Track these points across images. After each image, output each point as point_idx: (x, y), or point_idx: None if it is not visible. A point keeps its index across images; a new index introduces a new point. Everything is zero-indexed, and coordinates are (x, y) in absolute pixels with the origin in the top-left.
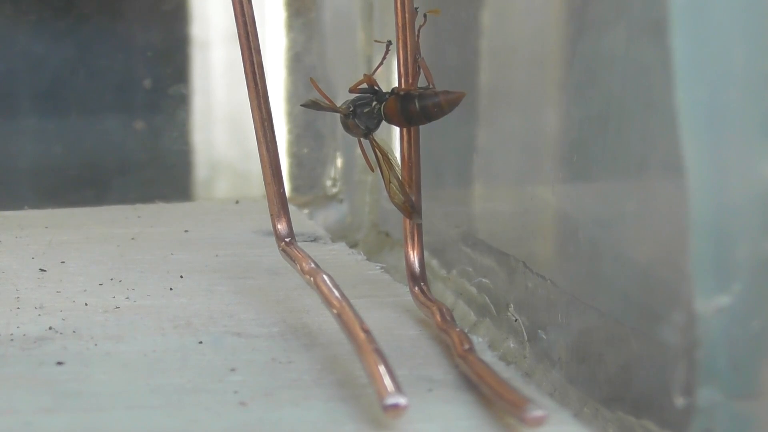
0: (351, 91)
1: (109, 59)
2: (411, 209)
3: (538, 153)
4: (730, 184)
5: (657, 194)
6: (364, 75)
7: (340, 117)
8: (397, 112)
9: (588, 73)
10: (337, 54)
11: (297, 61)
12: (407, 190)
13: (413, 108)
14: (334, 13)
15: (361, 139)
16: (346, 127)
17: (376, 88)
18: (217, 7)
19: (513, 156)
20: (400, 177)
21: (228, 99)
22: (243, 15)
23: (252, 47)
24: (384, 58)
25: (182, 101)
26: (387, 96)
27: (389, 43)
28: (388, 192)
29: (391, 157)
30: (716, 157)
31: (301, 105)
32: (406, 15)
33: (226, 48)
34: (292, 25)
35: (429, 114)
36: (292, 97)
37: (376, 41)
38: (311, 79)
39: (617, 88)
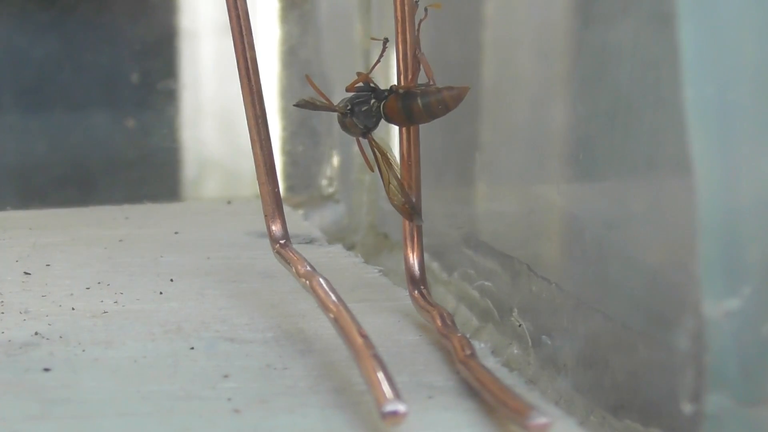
0: (348, 90)
1: (94, 53)
2: (411, 211)
3: (543, 151)
4: (740, 183)
5: (665, 194)
6: (359, 73)
7: (338, 116)
8: (398, 111)
9: (595, 67)
10: (334, 48)
11: (291, 54)
12: (407, 191)
13: (416, 106)
14: (330, 4)
15: (360, 138)
16: (344, 127)
17: (372, 85)
18: None
19: (517, 154)
20: (400, 177)
21: (218, 93)
22: (236, 9)
23: (246, 43)
24: (381, 55)
25: (171, 96)
26: (386, 94)
27: (386, 40)
28: (388, 193)
29: (390, 157)
30: (726, 156)
31: (294, 105)
32: (406, 8)
33: (216, 39)
34: (286, 17)
35: (432, 112)
36: (286, 92)
37: (372, 38)
38: (307, 76)
39: (625, 84)
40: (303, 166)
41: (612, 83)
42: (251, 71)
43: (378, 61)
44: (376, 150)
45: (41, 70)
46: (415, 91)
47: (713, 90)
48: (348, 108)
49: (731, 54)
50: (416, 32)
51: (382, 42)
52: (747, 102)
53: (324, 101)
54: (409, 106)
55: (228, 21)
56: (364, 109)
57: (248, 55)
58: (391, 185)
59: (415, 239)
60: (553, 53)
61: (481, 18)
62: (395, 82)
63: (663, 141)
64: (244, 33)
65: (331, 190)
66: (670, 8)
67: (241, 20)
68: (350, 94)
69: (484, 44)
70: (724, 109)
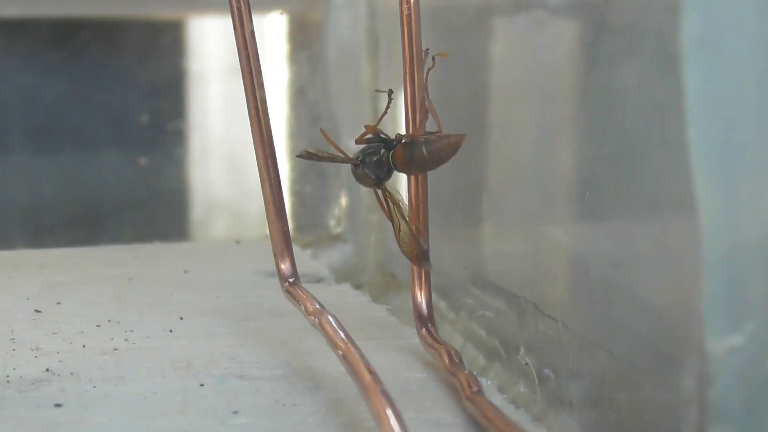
0: (357, 142)
1: (104, 93)
2: (420, 256)
3: (549, 191)
4: (744, 222)
5: (670, 233)
6: (366, 126)
7: (351, 168)
8: (404, 160)
9: (600, 109)
10: (342, 88)
11: (300, 95)
12: (417, 237)
13: (420, 155)
14: (338, 46)
15: (375, 188)
16: (358, 178)
17: (382, 135)
18: (214, 39)
19: (523, 194)
20: (410, 225)
21: (227, 134)
22: (246, 49)
23: (255, 82)
24: (387, 107)
25: (180, 137)
26: (394, 143)
27: (391, 91)
28: (398, 240)
29: (402, 206)
30: (729, 196)
31: (297, 156)
32: (414, 54)
33: (225, 81)
34: (295, 58)
35: (436, 159)
36: (295, 133)
37: (377, 91)
38: (322, 130)
39: (630, 125)
40: (311, 206)
41: (617, 124)
42: (261, 111)
43: (385, 112)
44: (389, 200)
45: (52, 110)
46: (419, 140)
47: (717, 130)
48: (359, 159)
49: (735, 95)
50: (424, 80)
51: (387, 93)
52: (750, 142)
53: (336, 152)
54: (414, 155)
55: (237, 62)
56: (374, 159)
57: (258, 95)
58: (401, 232)
59: (423, 278)
60: (559, 95)
61: (488, 60)
62: (402, 129)
63: (668, 181)
64: (254, 73)
65: (339, 230)
66: (674, 50)
67: (251, 60)
68: (361, 146)
69: (490, 85)
70: (727, 149)
